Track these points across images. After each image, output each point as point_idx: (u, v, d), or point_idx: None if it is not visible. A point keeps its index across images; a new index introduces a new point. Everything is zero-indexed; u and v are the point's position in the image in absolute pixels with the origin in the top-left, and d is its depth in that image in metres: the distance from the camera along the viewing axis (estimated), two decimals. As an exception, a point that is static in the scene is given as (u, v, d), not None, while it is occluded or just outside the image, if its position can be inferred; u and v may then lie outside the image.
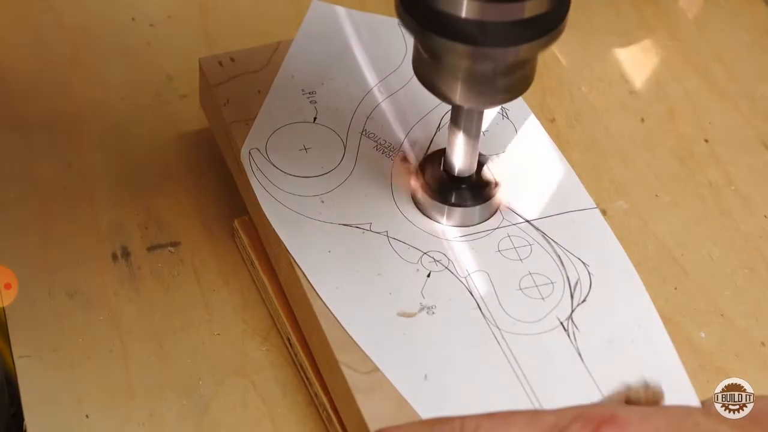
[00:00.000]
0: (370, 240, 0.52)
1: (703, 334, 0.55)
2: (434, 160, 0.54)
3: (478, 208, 0.53)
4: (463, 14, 0.44)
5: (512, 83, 0.48)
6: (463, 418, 0.43)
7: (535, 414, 0.43)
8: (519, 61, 0.47)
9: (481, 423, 0.42)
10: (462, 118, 0.51)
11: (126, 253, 0.57)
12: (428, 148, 0.56)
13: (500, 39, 0.44)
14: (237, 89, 0.58)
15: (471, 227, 0.53)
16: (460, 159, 0.53)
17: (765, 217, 0.61)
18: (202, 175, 0.61)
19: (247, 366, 0.53)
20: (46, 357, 0.52)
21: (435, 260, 0.51)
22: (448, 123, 0.52)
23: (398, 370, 0.47)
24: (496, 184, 0.54)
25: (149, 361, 0.53)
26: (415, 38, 0.47)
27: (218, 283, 0.56)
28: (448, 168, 0.53)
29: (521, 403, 0.46)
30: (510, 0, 0.43)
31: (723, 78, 0.69)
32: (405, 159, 0.56)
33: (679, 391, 0.47)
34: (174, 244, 0.58)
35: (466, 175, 0.53)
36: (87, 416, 0.51)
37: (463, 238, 0.52)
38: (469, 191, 0.53)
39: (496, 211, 0.54)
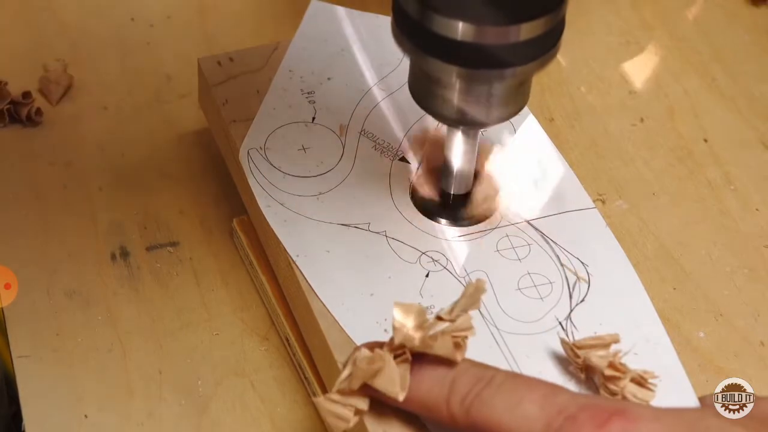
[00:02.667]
0: (368, 240, 0.52)
1: (702, 334, 0.55)
2: (432, 173, 0.55)
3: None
4: (459, 36, 0.44)
5: (508, 103, 0.48)
6: (497, 370, 0.44)
7: (553, 389, 0.43)
8: (514, 82, 0.47)
9: (507, 380, 0.43)
10: (458, 138, 0.51)
11: (125, 253, 0.57)
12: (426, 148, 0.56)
13: (496, 61, 0.45)
14: (236, 89, 0.58)
15: (470, 227, 0.53)
16: (456, 177, 0.53)
17: (757, 210, 0.61)
18: (201, 175, 0.61)
19: (246, 366, 0.53)
20: (45, 357, 0.53)
21: (433, 260, 0.51)
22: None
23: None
24: (496, 199, 0.54)
25: (148, 361, 0.53)
26: (411, 59, 0.48)
27: (217, 283, 0.56)
28: (445, 186, 0.54)
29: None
30: (506, 23, 0.44)
31: (722, 78, 0.69)
32: (404, 159, 0.56)
33: (679, 391, 0.47)
34: (173, 244, 0.58)
35: (463, 192, 0.54)
36: (86, 416, 0.51)
37: (462, 238, 0.52)
38: (466, 207, 0.54)
39: (494, 212, 0.54)
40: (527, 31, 0.44)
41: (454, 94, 0.48)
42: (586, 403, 0.42)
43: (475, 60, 0.45)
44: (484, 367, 0.45)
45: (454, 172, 0.53)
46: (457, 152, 0.52)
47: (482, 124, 0.50)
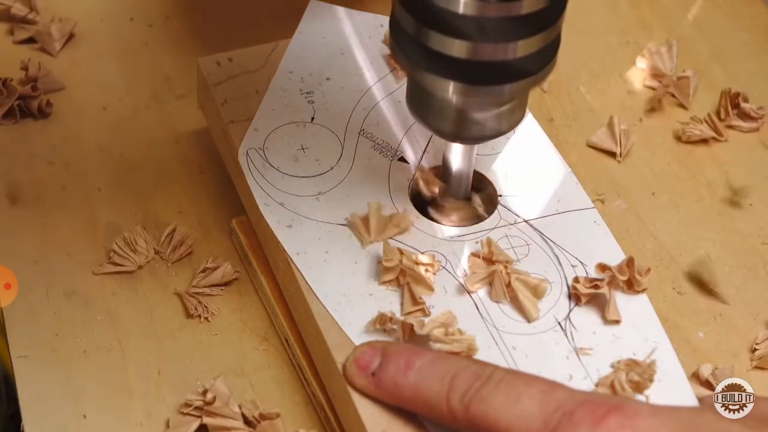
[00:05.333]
0: (367, 240, 0.52)
1: (701, 334, 0.55)
2: (431, 173, 0.55)
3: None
4: (455, 53, 0.44)
5: (503, 118, 0.49)
6: (496, 367, 0.45)
7: (551, 386, 0.43)
8: (510, 98, 0.47)
9: (506, 377, 0.44)
10: (455, 152, 0.51)
11: (124, 253, 0.57)
12: (426, 147, 0.56)
13: (491, 76, 0.45)
14: (235, 89, 0.58)
15: (469, 227, 0.53)
16: (453, 189, 0.53)
17: (756, 210, 0.61)
18: (200, 175, 0.61)
19: (245, 366, 0.53)
20: (44, 357, 0.52)
21: (433, 260, 0.51)
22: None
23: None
24: (495, 200, 0.54)
25: (147, 361, 0.53)
26: (408, 74, 0.48)
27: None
28: (443, 194, 0.54)
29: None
30: (502, 41, 0.44)
31: (721, 77, 0.69)
32: (403, 159, 0.56)
33: (678, 391, 0.47)
34: (172, 244, 0.58)
35: (462, 199, 0.54)
36: (85, 416, 0.51)
37: (461, 238, 0.52)
38: (465, 208, 0.54)
39: (493, 212, 0.54)
40: (524, 47, 0.44)
41: (451, 110, 0.48)
42: (584, 399, 0.42)
43: (473, 76, 0.45)
44: (483, 364, 0.45)
45: (453, 183, 0.53)
46: (455, 164, 0.52)
47: (479, 139, 0.50)
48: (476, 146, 0.52)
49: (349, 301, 0.49)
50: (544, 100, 0.67)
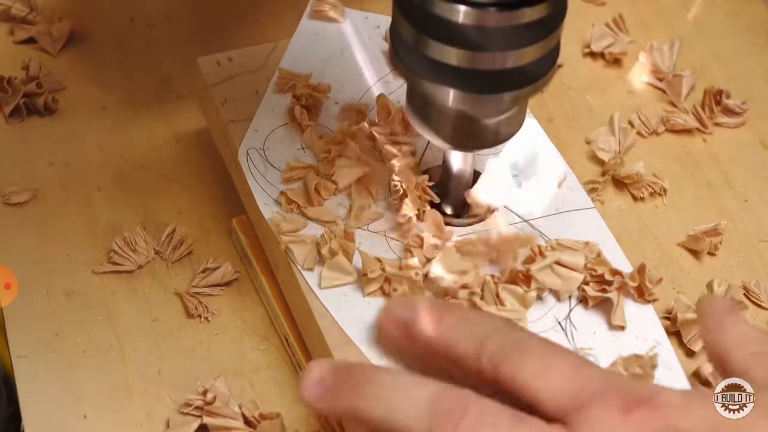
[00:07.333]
0: (367, 240, 0.52)
1: (701, 334, 0.55)
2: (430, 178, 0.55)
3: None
4: (454, 62, 0.44)
5: (501, 127, 0.49)
6: (531, 333, 0.44)
7: (583, 362, 0.42)
8: (510, 106, 0.47)
9: (540, 345, 0.42)
10: (455, 153, 0.51)
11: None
12: (426, 147, 0.56)
13: (491, 84, 0.45)
14: (235, 89, 0.58)
15: (468, 227, 0.53)
16: (453, 189, 0.53)
17: (756, 210, 0.61)
18: (200, 175, 0.61)
19: (245, 366, 0.53)
20: (43, 357, 0.53)
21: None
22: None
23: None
24: (492, 210, 0.54)
25: (147, 361, 0.53)
26: (407, 82, 0.48)
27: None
28: (442, 203, 0.54)
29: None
30: (500, 50, 0.44)
31: (721, 77, 0.69)
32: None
33: (677, 390, 0.47)
34: (172, 244, 0.58)
35: (459, 211, 0.54)
36: (85, 416, 0.51)
37: (461, 238, 0.52)
38: (465, 208, 0.54)
39: (493, 212, 0.54)
40: (525, 55, 0.44)
41: (450, 118, 0.48)
42: (614, 385, 0.40)
43: (473, 84, 0.45)
44: (520, 328, 0.44)
45: (452, 183, 0.53)
46: (455, 165, 0.52)
47: (478, 147, 0.50)
48: (473, 163, 0.52)
49: (349, 301, 0.49)
50: (544, 100, 0.67)
